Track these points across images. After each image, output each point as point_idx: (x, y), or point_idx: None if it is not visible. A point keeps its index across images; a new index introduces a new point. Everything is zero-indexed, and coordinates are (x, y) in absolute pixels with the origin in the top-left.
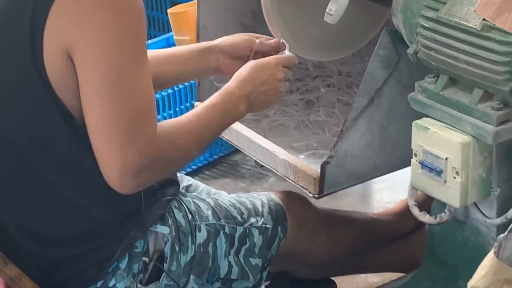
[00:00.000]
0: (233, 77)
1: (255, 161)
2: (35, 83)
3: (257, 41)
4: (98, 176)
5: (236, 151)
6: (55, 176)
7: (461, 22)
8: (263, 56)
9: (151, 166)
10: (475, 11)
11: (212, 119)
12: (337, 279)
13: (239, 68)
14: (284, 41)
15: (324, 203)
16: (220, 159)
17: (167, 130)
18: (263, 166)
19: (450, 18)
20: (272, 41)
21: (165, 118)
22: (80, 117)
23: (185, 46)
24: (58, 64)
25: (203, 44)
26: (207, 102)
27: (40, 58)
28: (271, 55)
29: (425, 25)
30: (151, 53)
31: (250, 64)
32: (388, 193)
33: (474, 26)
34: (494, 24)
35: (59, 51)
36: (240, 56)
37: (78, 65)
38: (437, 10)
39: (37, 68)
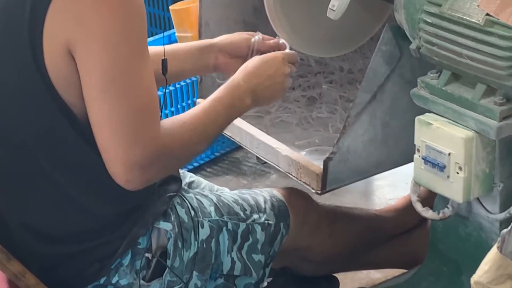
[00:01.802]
0: (239, 70)
1: (257, 158)
2: (36, 81)
3: (253, 39)
4: (101, 173)
5: (238, 148)
6: (58, 173)
7: (464, 17)
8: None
9: (157, 162)
10: (478, 5)
11: (218, 113)
12: (339, 276)
13: (238, 67)
14: (284, 41)
15: (326, 200)
16: (221, 156)
17: (172, 125)
18: (264, 163)
19: (453, 14)
20: (271, 41)
21: (167, 116)
22: (82, 114)
23: (185, 44)
24: (59, 62)
25: (202, 42)
26: (213, 96)
27: (40, 56)
28: None
29: (428, 20)
30: (151, 50)
31: (257, 58)
32: (390, 189)
33: (477, 21)
34: (497, 19)
35: (59, 49)
36: (239, 55)
37: (79, 63)
38: (440, 5)
39: (37, 66)
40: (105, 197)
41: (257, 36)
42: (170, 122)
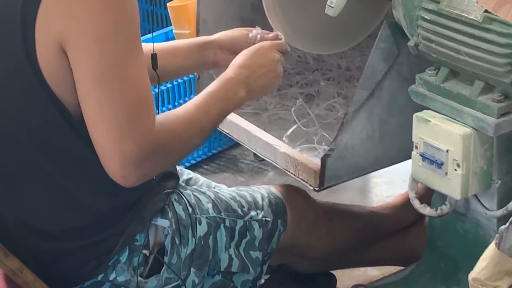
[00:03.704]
0: (229, 65)
1: (254, 156)
2: (29, 77)
3: (250, 34)
4: (98, 169)
5: (235, 145)
6: (54, 169)
7: (462, 14)
8: None
9: (152, 157)
10: (477, 2)
11: (211, 107)
12: (336, 273)
13: None
14: (279, 33)
15: (323, 197)
16: (218, 154)
17: (166, 120)
18: (262, 160)
19: (451, 10)
20: (270, 34)
21: None
22: (76, 110)
23: (184, 40)
24: (51, 57)
25: (202, 38)
26: (205, 90)
27: (32, 51)
28: None
29: (426, 17)
30: (146, 46)
31: (244, 51)
32: (387, 187)
33: (475, 18)
34: (496, 16)
35: (51, 44)
36: (238, 51)
37: (71, 58)
38: (438, 2)
39: (30, 62)
40: (102, 193)
41: (255, 31)
42: (163, 117)
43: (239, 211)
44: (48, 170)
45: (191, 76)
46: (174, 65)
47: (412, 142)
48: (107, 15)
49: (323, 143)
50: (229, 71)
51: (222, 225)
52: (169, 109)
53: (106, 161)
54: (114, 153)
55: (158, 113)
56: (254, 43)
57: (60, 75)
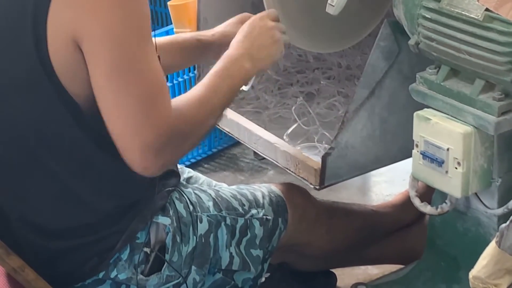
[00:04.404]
0: (229, 45)
1: (254, 154)
2: (37, 71)
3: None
4: (102, 167)
5: (235, 144)
6: (58, 166)
7: (463, 12)
8: None
9: (170, 143)
10: (478, 1)
11: (218, 85)
12: (337, 271)
13: None
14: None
15: (323, 196)
16: (219, 152)
17: (178, 105)
18: (262, 159)
19: (452, 9)
20: None
21: None
22: (87, 106)
23: (184, 39)
24: (65, 52)
25: (201, 41)
26: (211, 71)
27: (44, 46)
28: None
29: (427, 16)
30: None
31: (239, 29)
32: (387, 186)
33: (476, 17)
34: (496, 15)
35: (65, 39)
36: None
37: (86, 53)
38: (439, 1)
39: (39, 54)
40: (106, 193)
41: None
42: (174, 102)
43: (240, 209)
44: (53, 168)
45: (191, 75)
46: (179, 59)
47: (413, 140)
48: (119, 7)
49: (323, 142)
50: (229, 50)
51: (223, 223)
52: None
53: (126, 153)
54: (134, 144)
55: None
56: None
57: (73, 70)
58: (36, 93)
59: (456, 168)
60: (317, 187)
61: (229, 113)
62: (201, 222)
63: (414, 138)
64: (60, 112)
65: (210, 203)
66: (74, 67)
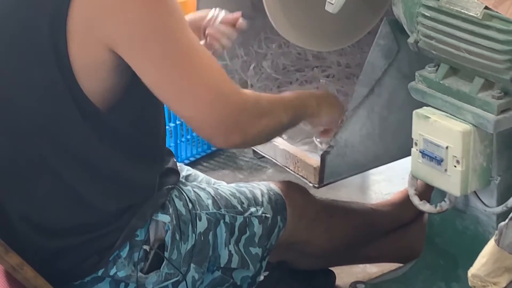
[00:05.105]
0: None
1: (253, 153)
2: (51, 68)
3: (209, 15)
4: (106, 167)
5: None
6: (64, 168)
7: (462, 11)
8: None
9: (245, 112)
10: None
11: (287, 105)
12: (335, 270)
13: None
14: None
15: (322, 194)
16: (218, 151)
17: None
18: (261, 157)
19: (451, 7)
20: (231, 16)
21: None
22: (102, 103)
23: None
24: (92, 55)
25: None
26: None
27: (62, 45)
28: None
29: (426, 14)
30: None
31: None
32: (386, 184)
33: (475, 15)
34: (496, 13)
35: (95, 44)
36: (197, 30)
37: (130, 58)
38: None
39: (57, 54)
40: (108, 192)
41: (213, 11)
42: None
43: (239, 207)
44: (57, 168)
45: None
46: None
47: (412, 139)
48: (153, 5)
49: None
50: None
51: (222, 221)
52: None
53: (206, 131)
54: (211, 120)
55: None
56: (213, 24)
57: (94, 69)
58: (50, 93)
59: (455, 166)
60: (316, 185)
61: None
62: (200, 220)
63: (413, 136)
64: (68, 110)
65: (209, 201)
66: (96, 66)
